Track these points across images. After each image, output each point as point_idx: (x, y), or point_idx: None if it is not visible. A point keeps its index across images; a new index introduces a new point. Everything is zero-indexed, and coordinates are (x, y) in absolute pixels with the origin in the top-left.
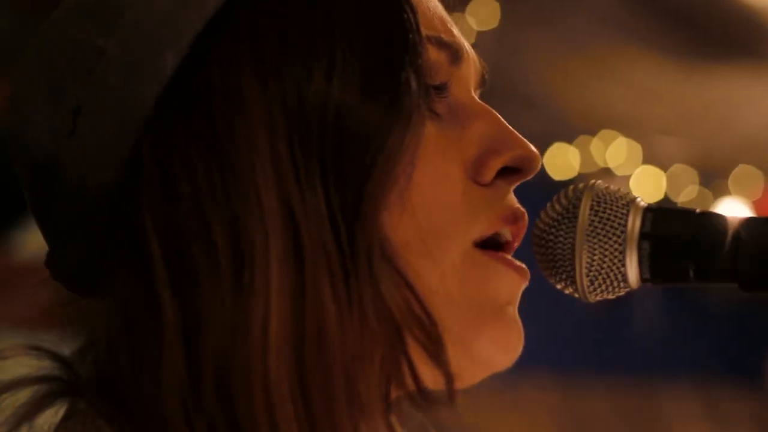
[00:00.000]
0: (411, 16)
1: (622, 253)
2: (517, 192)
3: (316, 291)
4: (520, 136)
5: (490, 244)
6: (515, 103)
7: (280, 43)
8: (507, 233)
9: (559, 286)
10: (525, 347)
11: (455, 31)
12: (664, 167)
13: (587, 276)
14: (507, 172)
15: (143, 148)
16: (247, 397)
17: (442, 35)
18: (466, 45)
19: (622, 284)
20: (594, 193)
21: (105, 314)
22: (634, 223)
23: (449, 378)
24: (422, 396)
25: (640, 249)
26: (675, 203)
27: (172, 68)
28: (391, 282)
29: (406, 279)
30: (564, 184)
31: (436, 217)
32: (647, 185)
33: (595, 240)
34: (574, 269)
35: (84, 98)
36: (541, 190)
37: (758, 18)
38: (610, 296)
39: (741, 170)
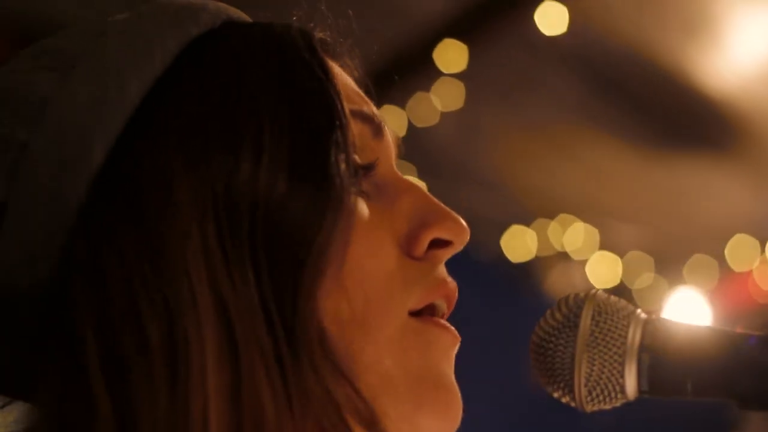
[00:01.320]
0: (336, 97)
1: (622, 364)
2: (472, 273)
3: (252, 385)
4: (448, 209)
5: (425, 313)
6: (474, 184)
7: (207, 131)
8: (441, 303)
9: (555, 395)
10: None
11: (372, 105)
12: (621, 253)
13: (586, 386)
14: (438, 245)
15: (75, 241)
16: None
17: (364, 109)
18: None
19: (619, 395)
20: (595, 303)
21: (39, 416)
22: (635, 335)
23: None
24: None
25: (639, 361)
26: (630, 290)
27: (101, 160)
28: (328, 371)
29: (343, 366)
30: (521, 266)
31: (372, 294)
32: (603, 271)
33: (596, 350)
34: (573, 378)
35: (9, 194)
36: (496, 272)
37: (718, 109)
38: (607, 407)
39: (697, 259)
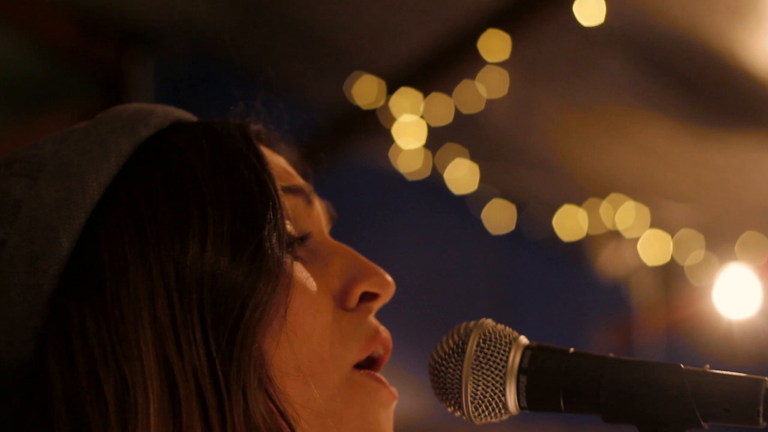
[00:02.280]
0: (269, 181)
1: (503, 385)
2: (529, 254)
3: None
4: (375, 265)
5: (366, 362)
6: (527, 166)
7: (157, 221)
8: (379, 349)
9: (449, 410)
10: None
11: (299, 177)
12: (672, 231)
13: (472, 403)
14: (368, 298)
15: (47, 325)
16: None
17: (294, 183)
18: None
19: (503, 411)
20: (482, 331)
21: None
22: (514, 359)
23: None
24: None
25: (518, 382)
26: (681, 267)
27: (67, 252)
28: (264, 411)
29: (280, 406)
30: (573, 245)
31: (316, 347)
32: (654, 249)
33: (479, 373)
34: (461, 397)
35: None
36: (551, 251)
37: (767, 89)
38: (494, 421)
39: (748, 236)
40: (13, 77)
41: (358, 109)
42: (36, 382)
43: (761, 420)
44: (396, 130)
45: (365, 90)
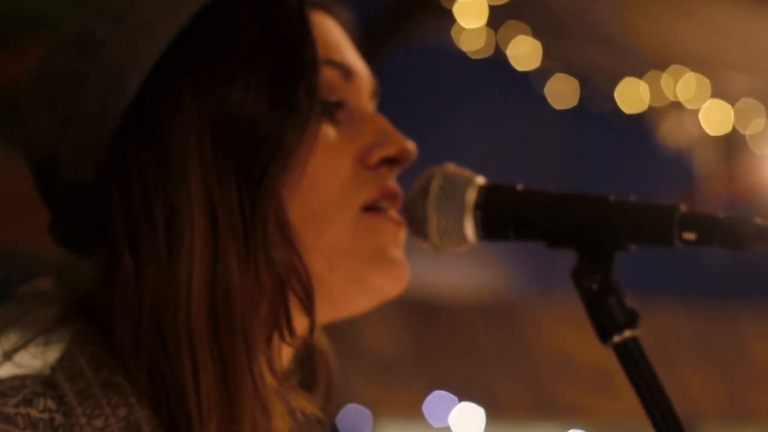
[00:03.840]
0: (308, 49)
1: (461, 218)
2: (593, 127)
3: (225, 258)
4: (400, 134)
5: (374, 210)
6: (588, 40)
7: (210, 71)
8: (387, 205)
9: (420, 242)
10: None
11: (352, 54)
12: (733, 101)
13: (437, 234)
14: (389, 162)
15: (112, 150)
16: (176, 336)
17: (335, 57)
18: (358, 63)
19: (463, 240)
20: (443, 174)
21: (90, 269)
22: (470, 197)
23: (313, 322)
24: (291, 335)
25: (474, 216)
26: (743, 135)
27: (135, 90)
28: (281, 247)
29: (293, 244)
30: (635, 117)
31: (329, 194)
32: (715, 119)
33: (441, 209)
34: (427, 229)
35: (72, 112)
36: (613, 122)
37: None
38: (457, 249)
39: None
40: None
41: None
42: (96, 201)
43: (676, 241)
44: (457, 10)
45: None
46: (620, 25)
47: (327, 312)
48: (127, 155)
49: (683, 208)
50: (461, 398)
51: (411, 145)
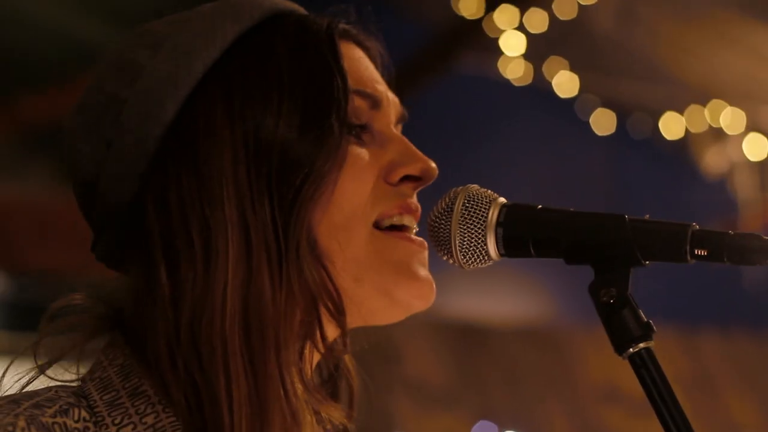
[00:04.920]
0: (339, 80)
1: (484, 236)
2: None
3: (259, 275)
4: (422, 154)
5: (396, 228)
6: (628, 74)
7: (245, 97)
8: (408, 220)
9: (444, 258)
10: (647, 301)
11: (379, 85)
12: None
13: (460, 252)
14: (411, 180)
15: (150, 171)
16: (210, 348)
17: (365, 89)
18: (385, 92)
19: (486, 258)
20: (467, 193)
21: (128, 284)
22: (493, 215)
23: (344, 333)
24: (325, 346)
25: (496, 234)
26: None
27: (172, 116)
28: (312, 265)
29: (323, 262)
30: (677, 144)
31: (352, 207)
32: (754, 149)
33: (465, 227)
34: (451, 247)
35: (113, 135)
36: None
37: None
38: (482, 266)
39: None
40: None
41: (463, 19)
42: (135, 220)
43: (688, 257)
44: (503, 42)
45: (468, 3)
46: (659, 60)
47: (360, 320)
48: (165, 177)
49: (695, 226)
50: (505, 426)
51: (433, 165)
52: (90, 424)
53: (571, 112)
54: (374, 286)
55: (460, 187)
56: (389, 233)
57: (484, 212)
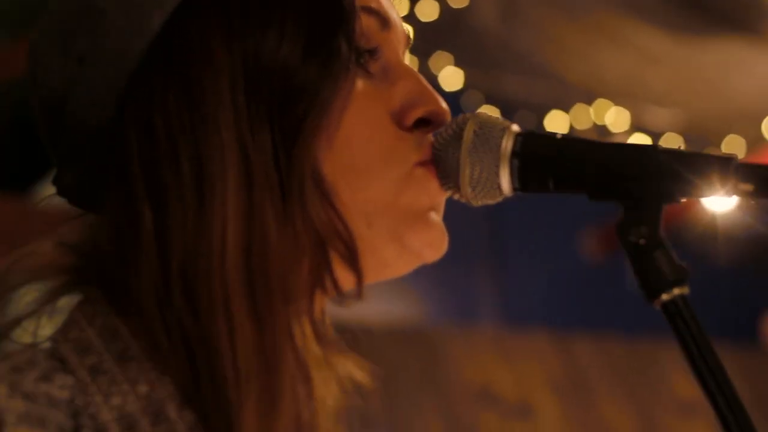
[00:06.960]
0: None
1: (497, 167)
2: None
3: (261, 211)
4: (436, 93)
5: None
6: (513, 70)
7: (243, 14)
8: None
9: (449, 193)
10: (522, 304)
11: (385, 2)
12: (655, 136)
13: (470, 185)
14: (423, 123)
15: (131, 92)
16: (208, 293)
17: (372, 5)
18: (394, 13)
19: (497, 192)
20: (477, 120)
21: (100, 225)
22: (507, 144)
23: (360, 279)
24: (338, 293)
25: (511, 164)
26: None
27: (157, 28)
28: (318, 203)
29: (331, 200)
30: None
31: (367, 149)
32: None
33: (476, 156)
34: (459, 179)
35: (87, 50)
36: None
37: None
38: (490, 201)
39: (730, 140)
40: None
41: None
42: (113, 145)
43: (732, 192)
44: None
45: None
46: (545, 57)
47: (371, 271)
48: (149, 98)
49: (737, 158)
50: (378, 428)
51: (446, 107)
52: (76, 391)
53: (457, 108)
54: (386, 230)
55: (468, 113)
56: (411, 174)
57: (497, 140)
